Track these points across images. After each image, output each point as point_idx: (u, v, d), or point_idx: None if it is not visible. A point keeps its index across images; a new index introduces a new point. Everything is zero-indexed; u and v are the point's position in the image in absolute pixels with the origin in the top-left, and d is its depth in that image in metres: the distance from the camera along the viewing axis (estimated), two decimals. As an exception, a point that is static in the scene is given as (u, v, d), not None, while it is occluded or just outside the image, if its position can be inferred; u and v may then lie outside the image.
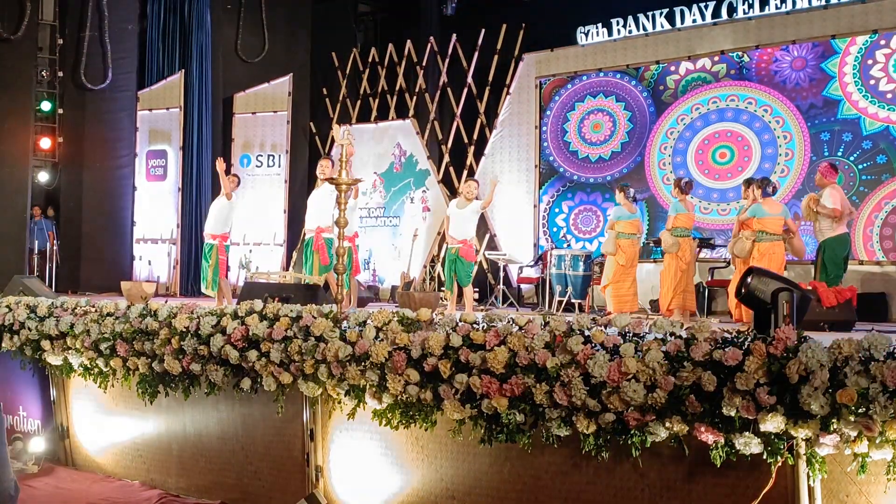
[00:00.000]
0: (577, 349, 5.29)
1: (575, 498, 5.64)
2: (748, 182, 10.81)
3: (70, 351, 8.20)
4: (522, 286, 15.16)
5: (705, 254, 12.82)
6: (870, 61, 12.29)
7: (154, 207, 16.52)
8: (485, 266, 15.68)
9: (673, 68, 14.12)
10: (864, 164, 12.26)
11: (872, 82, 12.24)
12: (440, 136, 16.47)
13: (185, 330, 7.27)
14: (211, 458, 7.76)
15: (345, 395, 6.41)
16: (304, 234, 11.28)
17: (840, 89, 12.51)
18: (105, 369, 8.00)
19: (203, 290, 11.85)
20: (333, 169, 11.19)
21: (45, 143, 16.27)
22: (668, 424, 5.00)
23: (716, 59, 13.68)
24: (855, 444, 4.58)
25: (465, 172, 16.06)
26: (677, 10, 13.93)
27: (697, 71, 13.88)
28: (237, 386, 7.03)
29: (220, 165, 11.88)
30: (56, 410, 9.07)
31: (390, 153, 16.74)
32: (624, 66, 14.61)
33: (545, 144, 15.47)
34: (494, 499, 6.00)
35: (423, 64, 16.75)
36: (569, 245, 14.61)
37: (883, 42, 12.20)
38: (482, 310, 11.92)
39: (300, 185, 16.98)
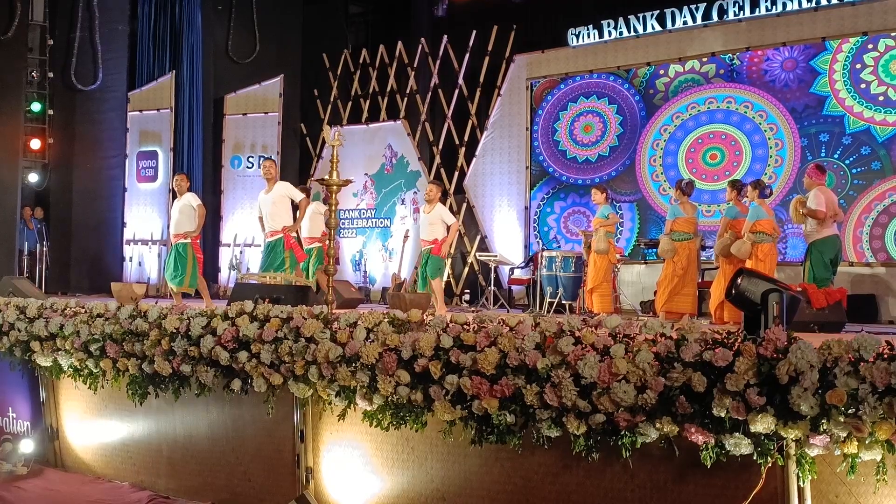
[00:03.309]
0: (567, 350, 5.29)
1: (565, 499, 5.64)
2: (733, 183, 10.85)
3: (60, 352, 8.17)
4: (513, 287, 15.17)
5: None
6: (859, 64, 12.32)
7: (144, 208, 16.50)
8: (476, 267, 15.69)
9: (664, 70, 14.14)
10: (853, 162, 12.29)
11: (863, 86, 12.27)
12: (431, 138, 16.48)
13: (175, 331, 7.25)
14: (201, 460, 7.74)
15: (335, 397, 6.40)
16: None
17: (830, 91, 12.55)
18: (95, 370, 7.98)
19: (183, 287, 11.79)
20: (277, 169, 11.65)
21: (35, 143, 16.23)
22: (658, 425, 5.00)
23: (706, 60, 13.71)
24: (844, 445, 4.59)
25: (457, 174, 16.08)
26: (668, 11, 13.96)
27: (688, 72, 13.91)
28: (227, 387, 7.01)
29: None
30: (46, 412, 9.04)
31: (381, 154, 16.74)
32: (615, 67, 14.63)
33: (536, 146, 15.48)
34: (485, 500, 5.99)
35: (415, 65, 16.75)
36: (559, 246, 14.62)
37: (872, 45, 12.24)
38: (473, 311, 11.94)
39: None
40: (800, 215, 10.06)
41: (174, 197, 12.42)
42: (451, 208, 16.05)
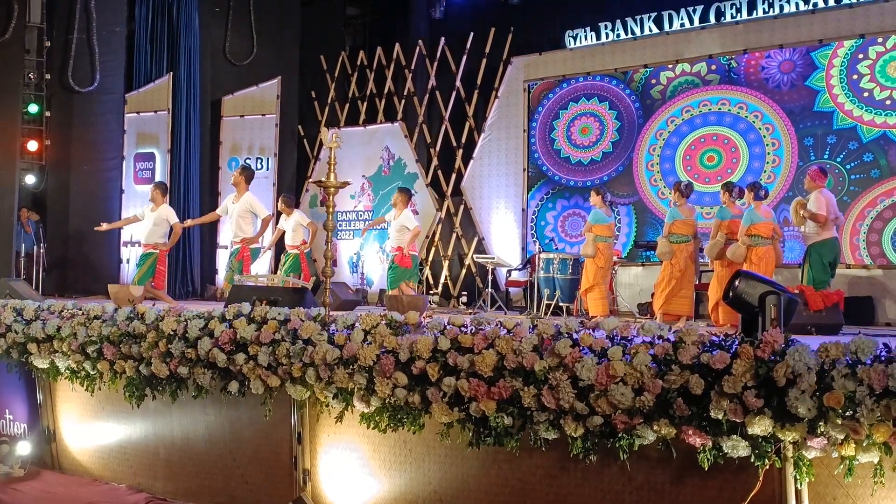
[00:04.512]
0: (564, 352, 5.29)
1: (563, 501, 5.64)
2: (726, 186, 10.84)
3: (57, 354, 8.16)
4: (511, 289, 15.17)
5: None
6: (856, 66, 12.34)
7: (142, 210, 16.47)
8: (473, 269, 15.69)
9: (661, 72, 14.14)
10: (853, 165, 12.31)
11: (864, 93, 12.26)
12: (429, 140, 16.48)
13: (172, 333, 7.24)
14: (198, 462, 7.73)
15: (333, 399, 6.40)
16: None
17: (827, 93, 12.56)
18: (92, 372, 7.97)
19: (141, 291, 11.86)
20: (244, 177, 11.89)
21: (33, 145, 16.18)
22: (655, 427, 5.00)
23: (704, 63, 13.71)
24: (842, 448, 4.59)
25: (454, 176, 16.08)
26: (665, 14, 13.98)
27: (685, 75, 13.91)
28: (225, 389, 7.01)
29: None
30: (43, 414, 9.02)
31: (379, 156, 16.75)
32: (612, 69, 14.64)
33: (533, 148, 15.48)
34: (482, 502, 5.99)
35: (412, 67, 16.76)
36: (558, 248, 14.61)
37: (869, 47, 12.25)
38: (470, 313, 11.94)
39: (288, 189, 16.97)
40: (800, 217, 10.06)
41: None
42: (448, 210, 16.08)
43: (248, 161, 16.64)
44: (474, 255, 15.53)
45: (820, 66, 12.63)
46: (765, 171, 13.03)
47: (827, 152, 12.52)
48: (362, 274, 16.68)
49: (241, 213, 11.62)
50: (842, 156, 12.39)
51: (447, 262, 16.23)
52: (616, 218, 13.99)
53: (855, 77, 12.32)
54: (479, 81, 15.95)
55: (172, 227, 11.86)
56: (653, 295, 11.32)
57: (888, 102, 12.06)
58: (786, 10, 12.93)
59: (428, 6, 17.15)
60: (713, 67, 13.67)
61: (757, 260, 9.99)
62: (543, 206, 15.35)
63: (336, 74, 17.72)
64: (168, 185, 16.01)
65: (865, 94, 12.22)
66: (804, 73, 12.80)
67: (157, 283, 11.72)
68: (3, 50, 15.06)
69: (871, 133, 12.14)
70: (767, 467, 4.82)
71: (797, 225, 10.34)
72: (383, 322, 6.28)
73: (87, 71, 16.24)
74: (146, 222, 11.97)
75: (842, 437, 4.55)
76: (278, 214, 13.30)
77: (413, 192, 15.89)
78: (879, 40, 12.20)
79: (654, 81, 14.23)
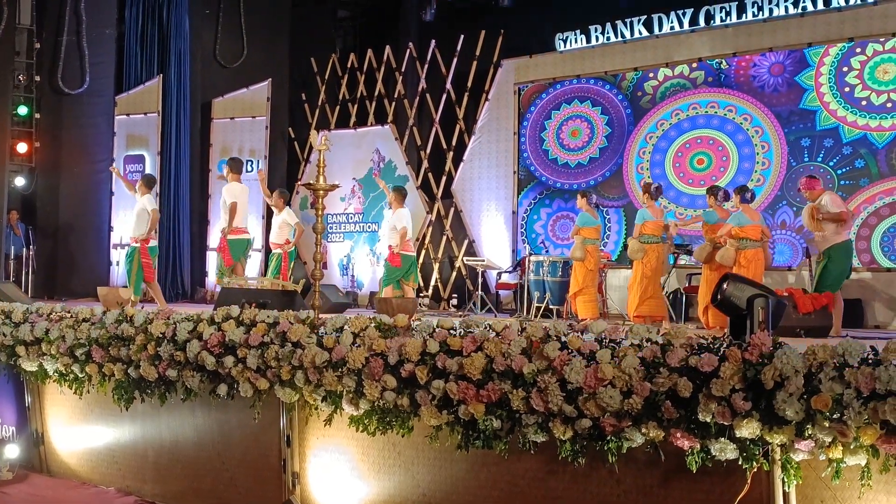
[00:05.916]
0: (553, 355, 5.29)
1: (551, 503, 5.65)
2: (710, 190, 10.86)
3: (45, 357, 8.14)
4: (501, 292, 15.17)
5: (684, 260, 12.89)
6: (845, 69, 12.37)
7: (131, 213, 16.42)
8: (463, 272, 15.69)
9: (651, 75, 14.17)
10: (843, 170, 12.33)
11: (847, 89, 12.32)
12: (419, 142, 16.48)
13: (161, 336, 7.23)
14: (187, 465, 7.72)
15: (322, 402, 6.40)
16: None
17: (816, 96, 12.59)
18: (81, 375, 7.95)
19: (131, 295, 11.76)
20: (228, 171, 12.22)
21: (22, 147, 16.15)
22: (644, 430, 5.01)
23: (694, 65, 13.74)
24: (829, 450, 4.60)
25: (444, 178, 16.07)
26: (655, 17, 14.00)
27: (675, 78, 13.94)
28: (214, 392, 7.00)
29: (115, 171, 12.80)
30: (31, 416, 9.01)
31: (369, 159, 16.74)
32: (602, 72, 14.66)
33: (524, 150, 15.49)
34: (471, 505, 6.00)
35: (402, 70, 16.76)
36: (547, 251, 14.62)
37: (858, 50, 12.29)
38: (460, 315, 11.95)
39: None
40: (817, 222, 9.81)
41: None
42: (438, 213, 16.08)
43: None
44: (464, 258, 15.53)
45: (808, 88, 12.65)
46: (754, 174, 13.05)
47: (818, 156, 12.54)
48: (352, 276, 16.67)
49: (221, 204, 11.86)
50: (833, 160, 12.41)
51: (437, 264, 16.23)
52: (605, 220, 14.01)
53: (847, 90, 12.34)
54: (469, 84, 15.96)
55: (150, 215, 11.79)
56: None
57: (889, 105, 12.07)
58: (775, 13, 12.96)
59: (418, 8, 17.15)
60: (694, 66, 13.69)
61: (746, 262, 9.99)
62: (534, 209, 15.33)
63: (326, 77, 17.72)
64: (158, 187, 16.02)
65: (864, 103, 12.21)
66: (793, 76, 12.82)
67: (146, 276, 11.71)
68: (-8, 52, 15.05)
69: (883, 138, 12.10)
70: (755, 470, 4.82)
71: (814, 231, 10.09)
72: (372, 325, 6.28)
73: (76, 73, 16.22)
74: (130, 215, 11.99)
75: (829, 439, 4.55)
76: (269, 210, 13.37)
77: (404, 194, 15.93)
78: (857, 50, 12.24)
79: (644, 84, 14.24)
